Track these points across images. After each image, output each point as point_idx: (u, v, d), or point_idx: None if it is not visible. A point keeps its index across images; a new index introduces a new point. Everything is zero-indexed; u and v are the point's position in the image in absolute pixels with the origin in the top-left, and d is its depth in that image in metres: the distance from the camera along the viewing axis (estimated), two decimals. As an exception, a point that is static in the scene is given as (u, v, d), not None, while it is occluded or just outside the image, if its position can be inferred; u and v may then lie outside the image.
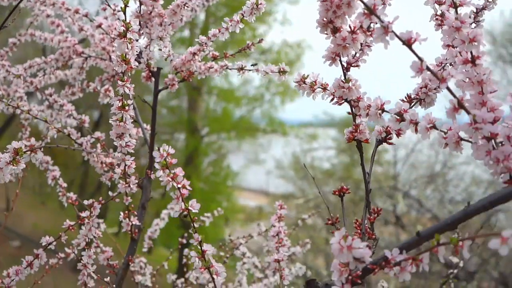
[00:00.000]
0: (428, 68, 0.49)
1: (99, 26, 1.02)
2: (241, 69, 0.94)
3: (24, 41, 1.32)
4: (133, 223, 0.95)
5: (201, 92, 11.56)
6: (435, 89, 0.65)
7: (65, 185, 1.07)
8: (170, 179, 0.59)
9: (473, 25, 0.70)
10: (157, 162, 0.58)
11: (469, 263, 6.35)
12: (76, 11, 1.07)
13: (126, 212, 0.94)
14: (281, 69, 0.81)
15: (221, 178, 11.32)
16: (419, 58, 0.49)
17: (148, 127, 1.08)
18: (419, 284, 6.60)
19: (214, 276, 0.62)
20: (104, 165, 0.99)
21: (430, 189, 6.77)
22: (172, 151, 0.59)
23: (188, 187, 0.61)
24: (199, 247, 0.63)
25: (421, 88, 0.66)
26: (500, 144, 0.50)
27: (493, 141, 0.51)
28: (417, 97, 0.66)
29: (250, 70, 0.94)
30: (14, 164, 0.66)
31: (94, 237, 0.95)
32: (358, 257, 0.49)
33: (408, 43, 0.49)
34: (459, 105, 0.50)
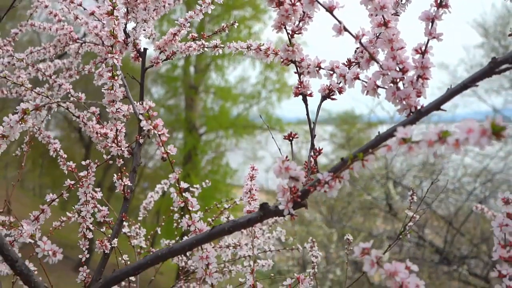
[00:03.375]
0: (345, 29, 0.63)
1: (92, 13, 1.16)
2: (215, 46, 1.08)
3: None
4: (126, 183, 1.08)
5: (198, 91, 11.70)
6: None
7: (65, 155, 1.21)
8: (152, 128, 0.73)
9: (404, 0, 0.84)
10: (141, 114, 0.72)
11: (461, 248, 6.51)
12: (71, 1, 1.20)
13: (119, 174, 1.08)
14: (249, 45, 0.95)
15: (220, 176, 11.45)
16: (339, 22, 0.63)
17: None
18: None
19: (190, 207, 0.76)
20: (99, 135, 1.12)
21: (423, 178, 6.93)
22: (152, 104, 0.73)
23: (167, 134, 0.75)
24: (177, 185, 0.77)
25: (359, 52, 0.80)
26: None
27: (401, 85, 0.66)
28: (356, 60, 0.80)
29: (222, 47, 1.08)
30: (23, 122, 0.79)
31: (92, 197, 1.09)
32: (294, 176, 0.63)
33: (330, 9, 0.63)
34: (371, 57, 0.64)
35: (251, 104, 11.99)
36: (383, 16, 0.65)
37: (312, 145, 0.76)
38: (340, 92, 0.79)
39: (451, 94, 0.59)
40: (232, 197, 1.43)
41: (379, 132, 0.63)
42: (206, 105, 12.06)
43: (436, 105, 0.60)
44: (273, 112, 11.72)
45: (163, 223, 1.53)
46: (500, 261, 0.63)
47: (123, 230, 1.41)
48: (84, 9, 1.21)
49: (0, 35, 1.46)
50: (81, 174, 1.01)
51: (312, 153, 0.75)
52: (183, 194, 0.77)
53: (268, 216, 0.70)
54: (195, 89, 11.46)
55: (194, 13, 1.04)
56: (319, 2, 0.63)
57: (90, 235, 1.06)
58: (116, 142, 1.01)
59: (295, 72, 0.76)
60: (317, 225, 7.51)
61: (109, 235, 1.06)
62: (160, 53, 1.10)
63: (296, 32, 0.74)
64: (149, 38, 1.06)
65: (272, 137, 1.10)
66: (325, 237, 7.08)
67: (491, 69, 0.58)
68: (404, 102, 0.63)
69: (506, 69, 0.58)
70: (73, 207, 1.25)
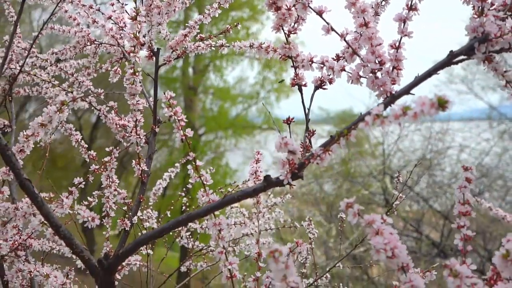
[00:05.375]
0: (332, 29, 0.77)
1: (109, 17, 1.29)
2: (221, 46, 1.22)
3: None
4: (143, 168, 1.22)
5: (197, 91, 11.83)
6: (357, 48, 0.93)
7: (86, 146, 1.35)
8: (173, 114, 0.87)
9: (383, 2, 0.97)
10: (163, 102, 0.86)
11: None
12: (90, 7, 1.34)
13: (137, 160, 1.21)
14: (251, 44, 1.09)
15: (220, 176, 11.59)
16: (327, 23, 0.77)
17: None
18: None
19: (205, 182, 0.90)
20: (117, 126, 1.26)
21: (419, 174, 7.09)
22: (173, 94, 0.86)
23: (185, 119, 0.88)
24: (193, 162, 0.90)
25: (345, 48, 0.93)
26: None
27: (379, 74, 0.79)
28: (343, 55, 0.94)
29: (228, 46, 1.21)
30: (61, 113, 0.93)
31: (112, 181, 1.23)
32: (292, 150, 0.77)
33: (319, 13, 0.77)
34: (354, 52, 0.78)
35: (250, 104, 12.14)
36: (364, 18, 0.79)
37: (307, 127, 0.90)
38: (330, 82, 0.92)
39: (418, 80, 0.73)
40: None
41: (361, 113, 0.77)
42: (205, 105, 12.19)
43: (406, 91, 0.74)
44: (271, 112, 11.85)
45: (172, 207, 1.67)
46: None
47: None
48: (102, 13, 1.34)
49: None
50: (105, 159, 1.15)
51: (307, 134, 0.89)
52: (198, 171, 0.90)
53: (270, 186, 0.83)
54: (194, 90, 11.59)
55: (203, 16, 1.18)
56: (310, 7, 0.76)
57: (112, 214, 1.19)
58: (135, 131, 1.14)
59: (292, 66, 0.90)
60: (316, 222, 7.65)
61: (128, 215, 1.20)
62: (172, 52, 1.24)
63: (292, 32, 0.87)
64: (164, 39, 1.20)
65: (278, 129, 1.23)
66: (325, 233, 7.23)
67: (449, 60, 0.71)
68: (381, 89, 0.77)
69: (462, 60, 0.72)
70: (93, 193, 1.39)
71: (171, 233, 1.65)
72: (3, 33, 1.67)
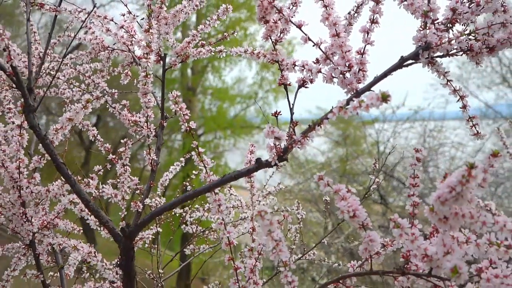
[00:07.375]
0: (309, 39, 0.95)
1: (122, 27, 1.48)
2: (220, 51, 1.40)
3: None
4: (153, 158, 1.41)
5: (196, 92, 12.01)
6: (332, 54, 1.11)
7: (102, 140, 1.53)
8: (178, 109, 1.06)
9: (355, 14, 1.16)
10: (170, 100, 1.05)
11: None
12: (105, 17, 1.52)
13: (148, 150, 1.40)
14: (246, 50, 1.27)
15: (219, 175, 11.72)
16: (305, 34, 0.96)
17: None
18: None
19: (206, 165, 1.09)
20: (130, 122, 1.44)
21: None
22: (179, 93, 1.05)
23: (189, 114, 1.07)
24: (196, 149, 1.09)
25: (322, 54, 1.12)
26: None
27: (348, 75, 0.98)
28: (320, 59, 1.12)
29: (225, 51, 1.40)
30: (85, 109, 1.12)
31: (126, 169, 1.41)
32: (277, 136, 0.95)
33: (299, 26, 0.96)
34: (326, 57, 0.97)
35: (248, 104, 12.31)
36: (335, 29, 0.98)
37: (291, 119, 1.08)
38: (311, 82, 1.11)
39: (376, 80, 0.91)
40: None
41: (332, 107, 0.96)
42: (204, 106, 12.36)
43: (368, 88, 0.92)
44: (270, 111, 12.00)
45: (178, 195, 1.85)
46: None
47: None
48: (115, 23, 1.53)
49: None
50: (120, 149, 1.33)
51: (291, 124, 1.07)
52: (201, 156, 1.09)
53: (261, 167, 1.02)
54: (193, 90, 11.76)
55: (204, 26, 1.37)
56: (292, 22, 0.95)
57: (127, 197, 1.38)
58: (147, 125, 1.33)
59: (278, 69, 1.08)
60: (315, 221, 7.84)
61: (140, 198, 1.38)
62: (177, 57, 1.42)
63: (278, 41, 1.06)
64: (171, 46, 1.38)
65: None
66: (322, 230, 7.41)
67: (400, 64, 0.90)
68: (349, 87, 0.95)
69: (411, 63, 0.91)
70: (107, 182, 1.57)
71: (177, 214, 1.83)
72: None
